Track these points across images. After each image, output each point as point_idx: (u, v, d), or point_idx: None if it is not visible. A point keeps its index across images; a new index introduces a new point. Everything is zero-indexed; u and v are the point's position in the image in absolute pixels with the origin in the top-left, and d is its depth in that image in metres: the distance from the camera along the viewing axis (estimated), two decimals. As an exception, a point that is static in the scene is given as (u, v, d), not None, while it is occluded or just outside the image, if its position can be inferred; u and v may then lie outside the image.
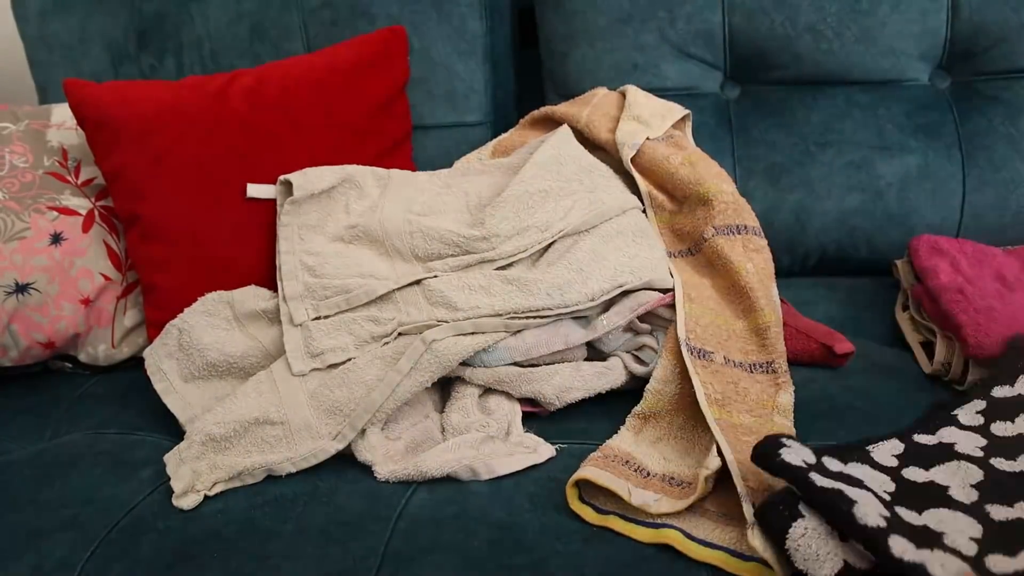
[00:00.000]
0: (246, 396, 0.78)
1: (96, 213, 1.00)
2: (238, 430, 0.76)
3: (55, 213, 0.97)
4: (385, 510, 0.68)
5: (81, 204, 1.00)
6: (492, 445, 0.75)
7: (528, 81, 1.23)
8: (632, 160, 0.95)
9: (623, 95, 1.04)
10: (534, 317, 0.80)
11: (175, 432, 0.83)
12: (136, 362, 1.02)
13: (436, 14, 1.11)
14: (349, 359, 0.80)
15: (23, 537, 0.70)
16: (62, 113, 1.07)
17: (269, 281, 0.93)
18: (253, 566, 0.64)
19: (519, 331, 0.80)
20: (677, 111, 1.02)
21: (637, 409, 0.76)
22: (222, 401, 0.80)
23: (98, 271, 0.98)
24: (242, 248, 0.94)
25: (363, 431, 0.76)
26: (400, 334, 0.81)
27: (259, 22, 1.15)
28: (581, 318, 0.82)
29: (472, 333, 0.79)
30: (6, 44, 1.39)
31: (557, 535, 0.64)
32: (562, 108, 1.04)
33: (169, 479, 0.74)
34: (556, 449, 0.75)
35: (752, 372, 0.77)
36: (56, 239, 0.96)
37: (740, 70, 1.10)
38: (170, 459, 0.76)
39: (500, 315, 0.79)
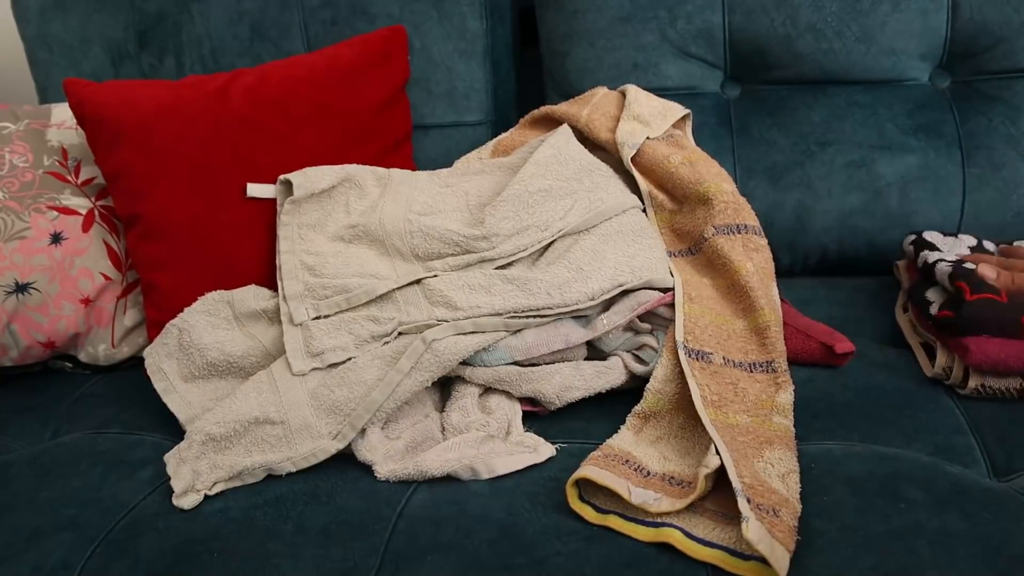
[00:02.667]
0: (246, 396, 0.78)
1: (96, 213, 1.00)
2: (238, 430, 0.76)
3: (55, 213, 0.97)
4: (385, 510, 0.68)
5: (81, 204, 1.00)
6: (492, 444, 0.75)
7: (528, 81, 1.23)
8: (632, 159, 0.95)
9: (623, 94, 1.04)
10: (534, 316, 0.80)
11: (175, 432, 0.83)
12: (136, 362, 1.02)
13: (436, 13, 1.11)
14: (349, 359, 0.80)
15: (23, 537, 0.70)
16: (62, 113, 1.07)
17: (269, 281, 0.93)
18: (253, 566, 0.64)
19: (519, 330, 0.80)
20: (677, 110, 1.02)
21: (637, 408, 0.76)
22: (222, 401, 0.80)
23: (98, 271, 0.98)
24: (242, 248, 0.94)
25: (363, 430, 0.76)
26: (400, 333, 0.81)
27: (259, 21, 1.15)
28: (581, 317, 0.82)
29: (472, 332, 0.79)
30: (6, 44, 1.39)
31: (557, 535, 0.64)
32: (562, 107, 1.04)
33: (169, 479, 0.74)
34: (556, 448, 0.75)
35: (752, 372, 0.77)
36: (56, 239, 0.96)
37: (740, 70, 1.10)
38: (170, 459, 0.76)
39: (500, 314, 0.79)
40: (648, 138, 0.96)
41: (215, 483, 0.74)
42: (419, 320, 0.80)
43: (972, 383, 0.77)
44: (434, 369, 0.77)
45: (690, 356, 0.77)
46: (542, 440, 0.75)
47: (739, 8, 1.05)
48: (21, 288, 0.93)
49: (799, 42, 1.05)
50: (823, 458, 0.69)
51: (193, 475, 0.74)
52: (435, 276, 0.83)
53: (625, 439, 0.73)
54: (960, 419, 0.75)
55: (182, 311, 0.89)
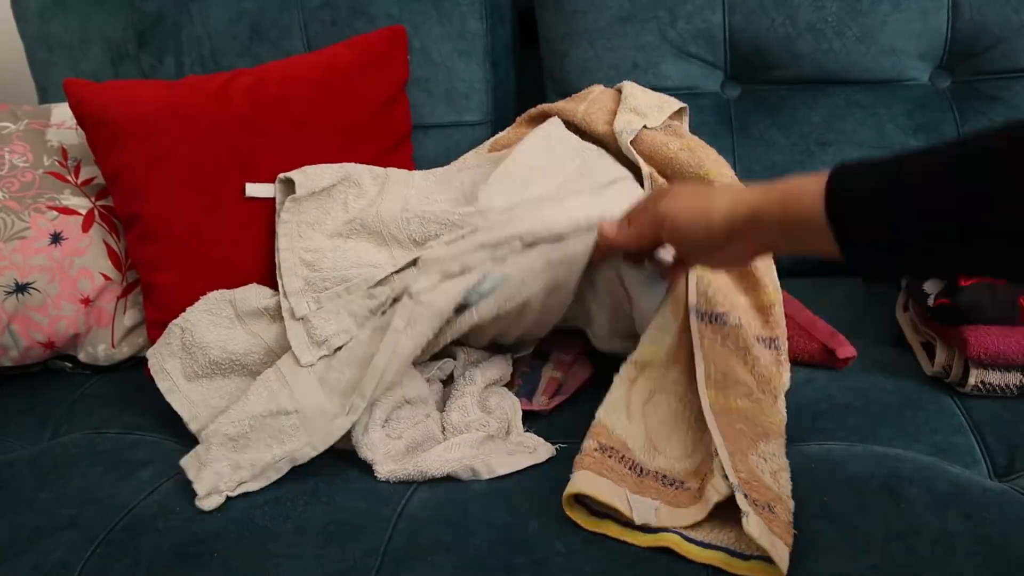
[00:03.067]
0: (257, 394, 0.78)
1: (96, 213, 1.00)
2: (254, 425, 0.75)
3: (55, 213, 0.97)
4: (385, 510, 0.69)
5: (81, 204, 1.00)
6: (492, 444, 0.75)
7: (528, 81, 1.23)
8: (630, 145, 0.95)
9: (619, 91, 1.03)
10: (518, 243, 0.78)
11: (175, 432, 0.83)
12: (136, 362, 1.02)
13: (436, 13, 1.11)
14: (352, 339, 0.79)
15: (23, 537, 0.70)
16: (62, 113, 1.07)
17: (269, 280, 0.93)
18: (253, 566, 0.64)
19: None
20: (674, 103, 1.02)
21: (633, 357, 0.75)
22: (234, 403, 0.79)
23: (98, 271, 0.98)
24: (242, 248, 0.94)
25: (366, 427, 0.76)
26: (395, 301, 0.80)
27: (259, 22, 1.15)
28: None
29: (461, 274, 0.77)
30: (6, 44, 1.39)
31: (557, 535, 0.64)
32: (558, 105, 1.04)
33: (167, 479, 0.74)
34: (556, 449, 0.75)
35: (760, 343, 0.77)
36: (56, 239, 0.96)
37: (740, 69, 1.10)
38: (188, 463, 0.75)
39: (485, 247, 0.78)
40: (645, 127, 0.96)
41: (239, 484, 0.73)
42: (408, 283, 0.79)
43: (972, 379, 0.77)
44: (428, 321, 0.75)
45: (702, 320, 0.76)
46: (542, 440, 0.75)
47: (739, 8, 1.05)
48: (21, 288, 0.93)
49: (799, 42, 1.05)
50: (823, 458, 0.69)
51: (216, 477, 0.73)
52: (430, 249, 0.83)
53: (617, 398, 0.72)
54: (960, 419, 0.75)
55: (182, 311, 0.89)
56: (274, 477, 0.74)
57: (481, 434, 0.76)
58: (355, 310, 0.81)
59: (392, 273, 0.83)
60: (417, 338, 0.76)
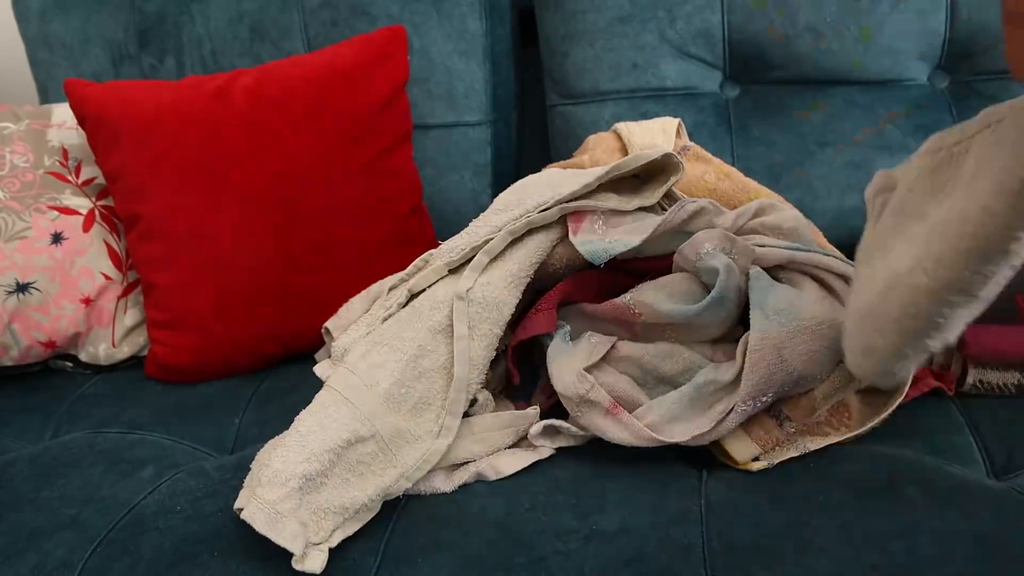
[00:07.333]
0: (324, 424, 0.68)
1: (96, 213, 1.00)
2: (333, 459, 0.66)
3: (56, 213, 0.97)
4: (385, 509, 0.69)
5: (82, 204, 1.00)
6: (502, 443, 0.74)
7: (528, 81, 1.23)
8: None
9: (614, 132, 1.02)
10: (547, 210, 0.75)
11: (175, 431, 0.83)
12: (136, 361, 1.02)
13: (436, 14, 1.11)
14: (370, 335, 0.76)
15: (23, 536, 0.70)
16: (63, 113, 1.08)
17: (267, 279, 0.93)
18: (253, 566, 0.64)
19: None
20: (672, 121, 1.01)
21: None
22: (289, 436, 0.69)
23: (99, 270, 0.98)
24: (242, 248, 0.94)
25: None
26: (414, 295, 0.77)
27: (259, 22, 1.15)
28: None
29: (494, 262, 0.74)
30: (6, 44, 1.39)
31: (556, 535, 0.64)
32: (562, 163, 1.02)
33: (167, 479, 0.74)
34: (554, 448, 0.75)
35: None
36: (57, 238, 0.96)
37: (739, 70, 1.10)
38: (256, 515, 0.63)
39: (528, 214, 0.75)
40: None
41: (333, 531, 0.65)
42: (424, 284, 0.77)
43: (970, 379, 0.77)
44: (493, 318, 0.72)
45: None
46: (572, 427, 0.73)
47: (738, 8, 1.05)
48: (22, 288, 0.93)
49: (798, 42, 1.05)
50: (822, 457, 0.69)
51: (302, 528, 0.63)
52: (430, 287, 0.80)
53: None
54: (959, 418, 0.75)
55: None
56: (367, 517, 0.67)
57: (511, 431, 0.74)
58: (367, 318, 0.80)
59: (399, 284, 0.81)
60: (488, 340, 0.73)
